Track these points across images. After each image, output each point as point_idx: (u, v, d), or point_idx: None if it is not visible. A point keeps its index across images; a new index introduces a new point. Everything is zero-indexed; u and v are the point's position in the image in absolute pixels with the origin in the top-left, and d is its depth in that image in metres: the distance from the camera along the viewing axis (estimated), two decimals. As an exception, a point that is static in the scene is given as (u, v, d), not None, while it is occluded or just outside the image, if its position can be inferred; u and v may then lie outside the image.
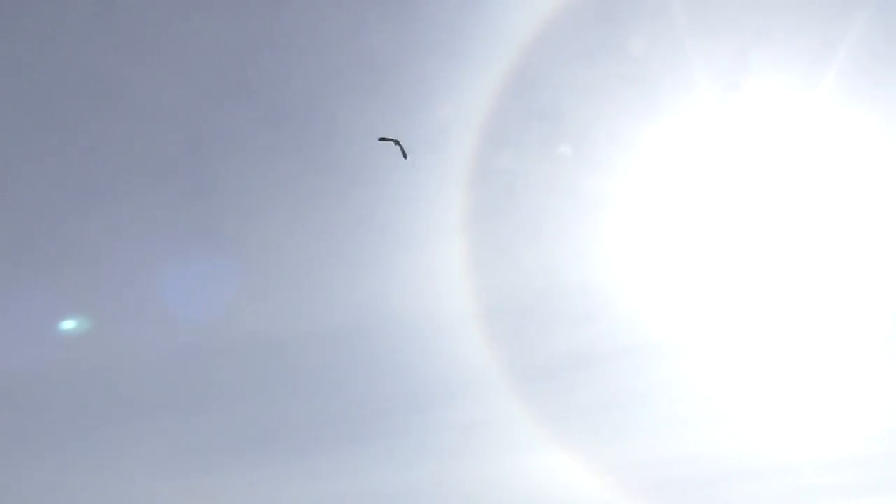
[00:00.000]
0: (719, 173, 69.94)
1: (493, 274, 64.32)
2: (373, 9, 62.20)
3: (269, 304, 65.22)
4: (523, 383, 60.90)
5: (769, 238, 69.99)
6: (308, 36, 63.78)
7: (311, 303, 63.53)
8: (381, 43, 62.87)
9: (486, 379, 62.04)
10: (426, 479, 59.96)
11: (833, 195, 69.20)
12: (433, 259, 63.03)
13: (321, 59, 65.16)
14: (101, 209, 64.54)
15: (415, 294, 64.45)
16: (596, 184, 66.30)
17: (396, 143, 34.04)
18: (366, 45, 62.81)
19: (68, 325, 54.74)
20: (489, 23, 59.76)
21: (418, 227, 64.30)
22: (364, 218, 68.03)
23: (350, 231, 67.51)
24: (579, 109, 64.67)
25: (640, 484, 62.54)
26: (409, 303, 64.68)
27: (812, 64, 59.89)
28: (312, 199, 68.08)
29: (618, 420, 68.46)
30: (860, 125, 65.02)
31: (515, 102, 63.06)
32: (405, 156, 34.09)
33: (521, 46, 55.09)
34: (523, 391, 60.84)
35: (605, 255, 69.34)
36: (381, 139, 34.11)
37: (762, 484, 63.56)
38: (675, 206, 70.38)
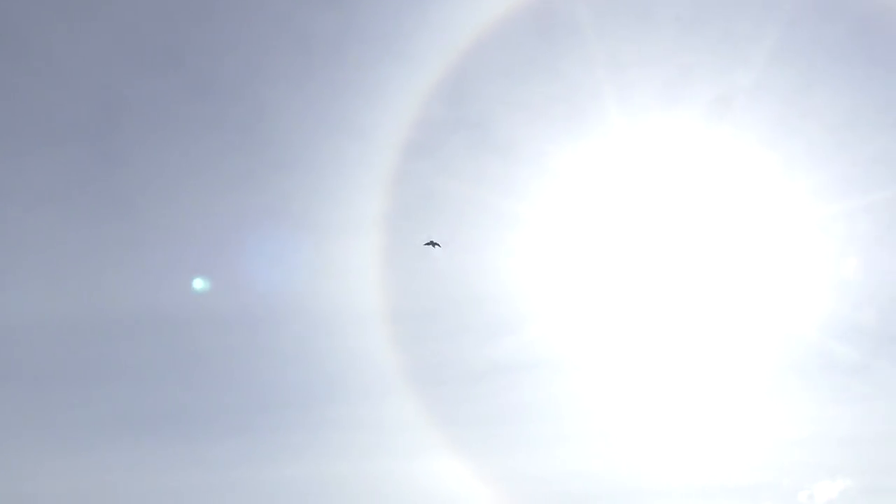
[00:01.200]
0: (630, 199, 72.94)
1: (406, 276, 64.27)
2: (316, -6, 61.57)
3: (170, 282, 62.79)
4: (423, 387, 60.86)
5: (670, 267, 73.27)
6: (246, 12, 62.53)
7: (213, 285, 61.58)
8: (320, 30, 62.29)
9: (386, 380, 61.65)
10: (314, 475, 58.70)
11: (733, 227, 73.30)
12: (347, 254, 62.42)
13: (257, 37, 63.89)
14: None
15: (324, 287, 63.53)
16: (514, 200, 67.65)
17: (436, 244, 38.08)
18: (304, 30, 62.09)
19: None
20: (429, 27, 60.38)
21: (335, 220, 63.65)
22: (281, 205, 66.73)
23: (265, 217, 66.04)
24: (506, 124, 66.14)
25: (528, 497, 63.33)
26: (317, 295, 63.66)
27: (719, 102, 63.73)
28: (230, 179, 66.28)
29: (512, 432, 69.27)
30: (758, 161, 69.49)
31: (445, 109, 63.82)
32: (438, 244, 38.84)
33: (457, 53, 55.96)
34: (421, 395, 60.76)
35: (515, 269, 70.61)
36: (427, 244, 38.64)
37: (651, 500, 65.54)
38: (586, 229, 72.72)
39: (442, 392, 63.87)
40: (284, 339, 61.57)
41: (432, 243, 40.11)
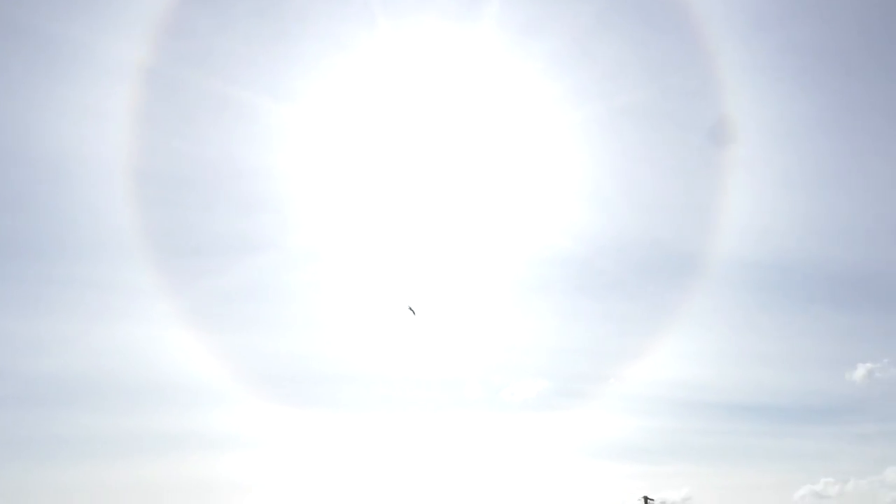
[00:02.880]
0: (388, 101, 75.07)
1: (163, 136, 60.14)
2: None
3: None
4: (165, 255, 58.26)
5: (423, 169, 76.90)
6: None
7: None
8: None
9: (125, 242, 58.22)
10: (34, 332, 55.09)
11: (488, 134, 77.79)
12: (104, 101, 56.85)
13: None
14: None
15: (76, 135, 57.82)
16: (275, 94, 65.74)
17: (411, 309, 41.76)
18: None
19: None
20: None
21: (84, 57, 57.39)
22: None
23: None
24: None
25: (257, 374, 64.08)
26: (66, 144, 57.91)
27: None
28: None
29: (250, 310, 69.14)
30: (512, 67, 73.66)
31: None
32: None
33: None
34: (162, 263, 58.25)
35: (281, 145, 69.02)
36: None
37: (365, 389, 69.60)
38: (349, 126, 73.30)
39: (185, 262, 61.70)
40: (24, 188, 55.99)
41: (411, 309, 44.61)
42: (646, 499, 54.73)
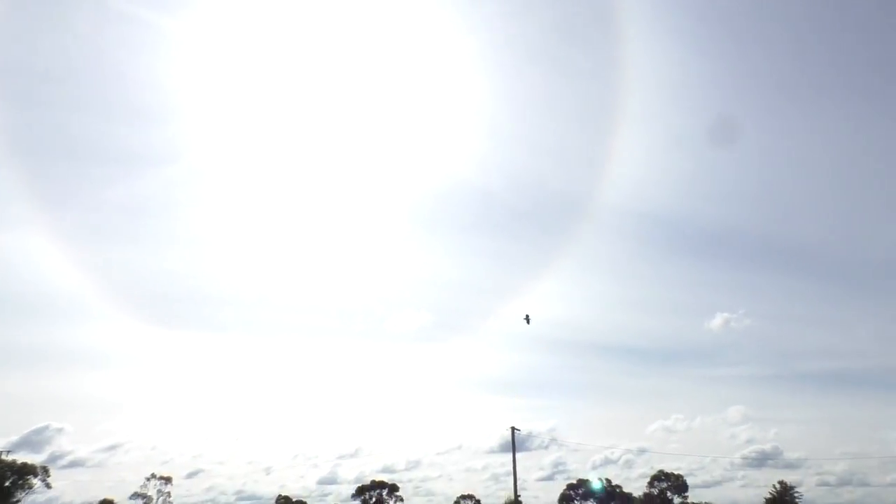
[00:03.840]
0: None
1: (39, 30, 56.79)
2: None
3: None
4: (30, 161, 55.34)
5: (311, 97, 74.37)
6: None
7: None
8: None
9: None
10: None
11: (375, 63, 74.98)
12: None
13: None
14: None
15: None
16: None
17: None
18: None
19: None
20: None
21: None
22: None
23: None
24: None
25: (135, 292, 61.43)
26: None
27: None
28: None
29: (135, 226, 66.24)
30: None
31: None
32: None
33: None
34: (27, 169, 55.36)
35: (172, 58, 65.78)
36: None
37: (248, 312, 67.34)
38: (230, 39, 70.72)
39: (54, 170, 58.71)
40: None
41: (527, 318, 48.13)
42: (513, 429, 56.65)
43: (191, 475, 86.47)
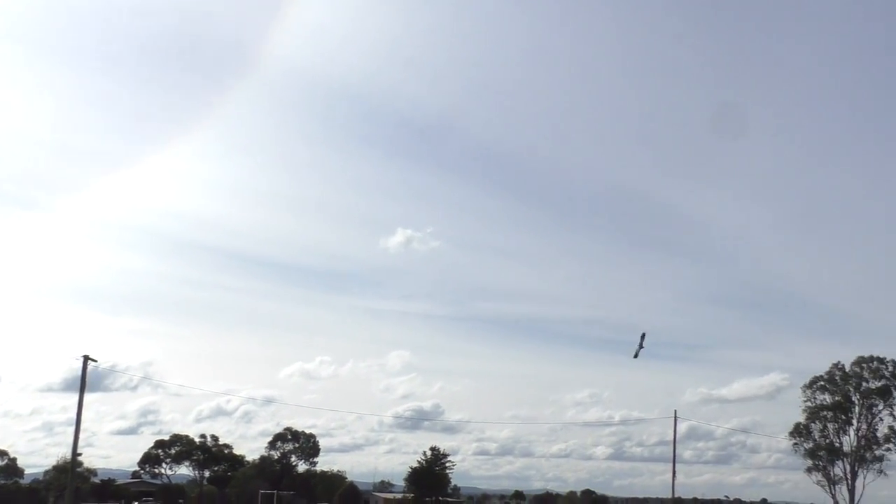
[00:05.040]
0: None
1: None
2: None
3: None
4: None
5: None
6: None
7: None
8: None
9: None
10: None
11: None
12: None
13: None
14: None
15: None
16: None
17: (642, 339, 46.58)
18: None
19: None
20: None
21: None
22: None
23: None
24: None
25: None
26: None
27: None
28: None
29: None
30: None
31: None
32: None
33: None
34: None
35: None
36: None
37: None
38: None
39: None
40: None
41: (640, 343, 46.65)
42: (86, 358, 40.79)
43: None
